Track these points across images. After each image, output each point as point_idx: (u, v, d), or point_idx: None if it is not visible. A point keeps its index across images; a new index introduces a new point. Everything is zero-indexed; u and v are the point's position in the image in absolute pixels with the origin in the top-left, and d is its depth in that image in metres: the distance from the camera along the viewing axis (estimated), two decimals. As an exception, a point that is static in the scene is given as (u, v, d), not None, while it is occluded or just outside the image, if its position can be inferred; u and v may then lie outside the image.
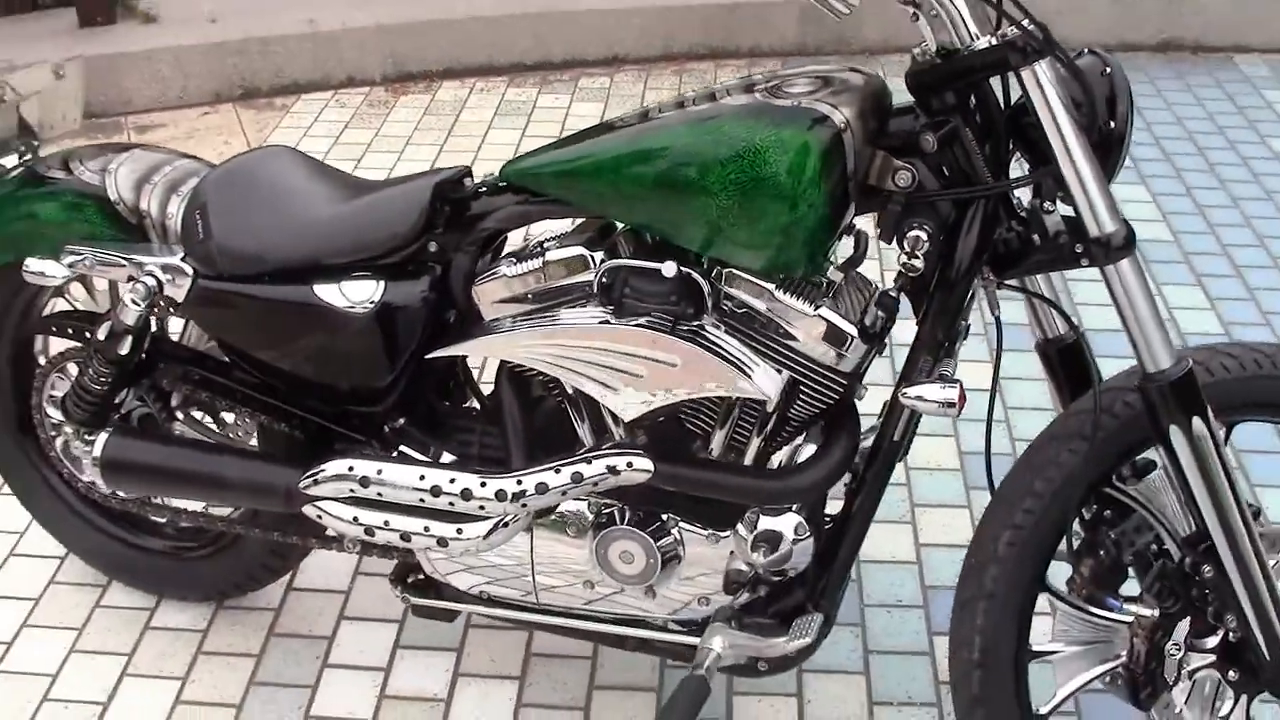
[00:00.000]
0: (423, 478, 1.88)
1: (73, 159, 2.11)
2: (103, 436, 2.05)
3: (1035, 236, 1.71)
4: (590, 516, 1.92)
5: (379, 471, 1.91)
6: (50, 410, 2.28)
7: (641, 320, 1.73)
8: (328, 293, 1.89)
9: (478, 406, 2.09)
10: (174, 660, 2.33)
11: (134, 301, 1.95)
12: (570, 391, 1.86)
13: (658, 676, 2.27)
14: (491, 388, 1.96)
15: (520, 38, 4.36)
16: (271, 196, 1.97)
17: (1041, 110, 1.58)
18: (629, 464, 1.80)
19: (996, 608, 1.80)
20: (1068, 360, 1.85)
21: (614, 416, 1.86)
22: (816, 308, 1.69)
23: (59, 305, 2.30)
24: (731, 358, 1.72)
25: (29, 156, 2.17)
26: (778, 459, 1.84)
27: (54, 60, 2.23)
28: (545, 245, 1.81)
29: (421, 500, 1.89)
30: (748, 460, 1.84)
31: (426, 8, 4.28)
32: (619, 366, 1.76)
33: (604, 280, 1.76)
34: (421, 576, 2.09)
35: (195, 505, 2.20)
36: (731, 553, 1.88)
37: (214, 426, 2.18)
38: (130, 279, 1.96)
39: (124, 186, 2.02)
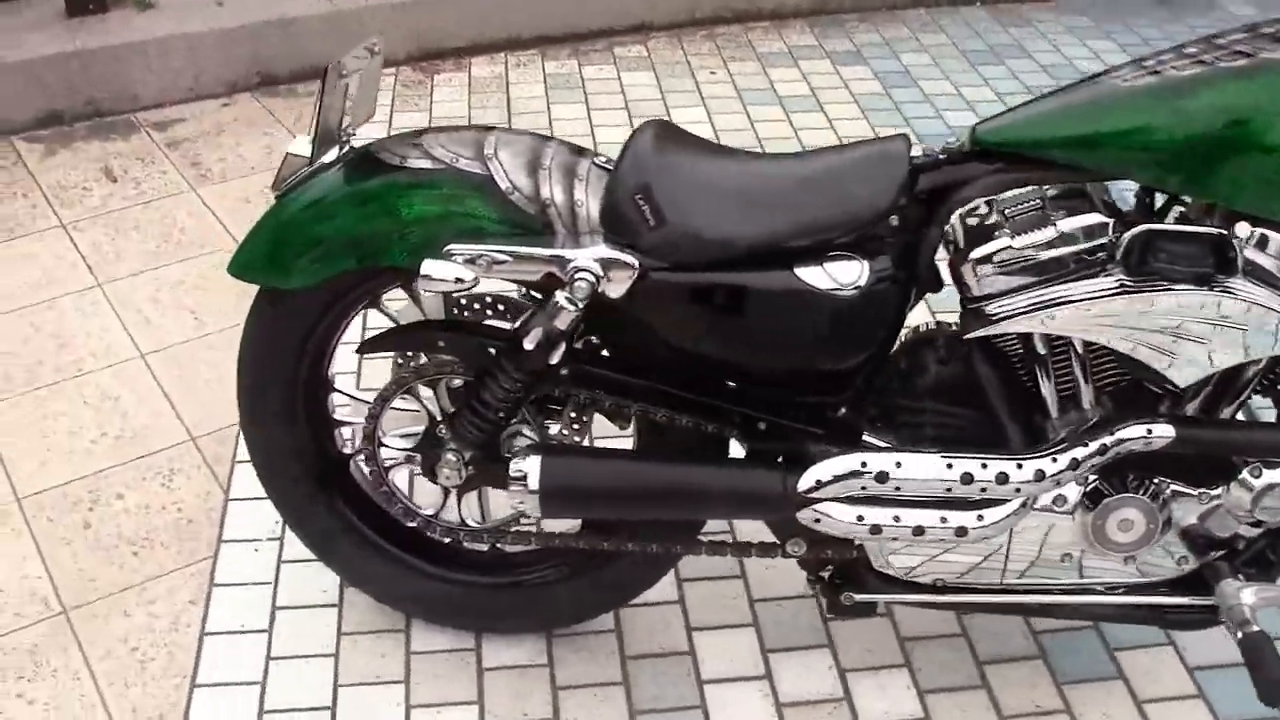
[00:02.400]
0: (950, 466, 1.77)
1: (396, 149, 1.85)
2: (535, 460, 1.82)
3: None
4: (1079, 488, 1.84)
5: (898, 465, 1.77)
6: (392, 440, 2.01)
7: (1204, 284, 1.68)
8: (812, 275, 1.73)
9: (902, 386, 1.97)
10: (533, 700, 2.11)
11: (571, 302, 1.73)
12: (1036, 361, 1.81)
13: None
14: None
15: (546, 8, 4.13)
16: (710, 177, 1.79)
17: None
18: (1150, 430, 1.76)
19: None
20: None
21: (1081, 388, 1.81)
22: None
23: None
24: None
25: (347, 147, 1.88)
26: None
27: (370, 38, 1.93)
28: (1049, 214, 1.73)
29: (948, 490, 1.77)
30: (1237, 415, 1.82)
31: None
32: (1187, 334, 1.70)
33: (1127, 245, 1.70)
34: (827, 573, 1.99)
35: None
36: (1218, 508, 1.84)
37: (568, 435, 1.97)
38: (569, 276, 1.73)
39: (515, 173, 1.78)
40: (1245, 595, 1.83)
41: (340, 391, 2.09)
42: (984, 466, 1.77)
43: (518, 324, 1.82)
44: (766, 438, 1.88)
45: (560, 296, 1.75)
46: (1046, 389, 1.84)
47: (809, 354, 1.80)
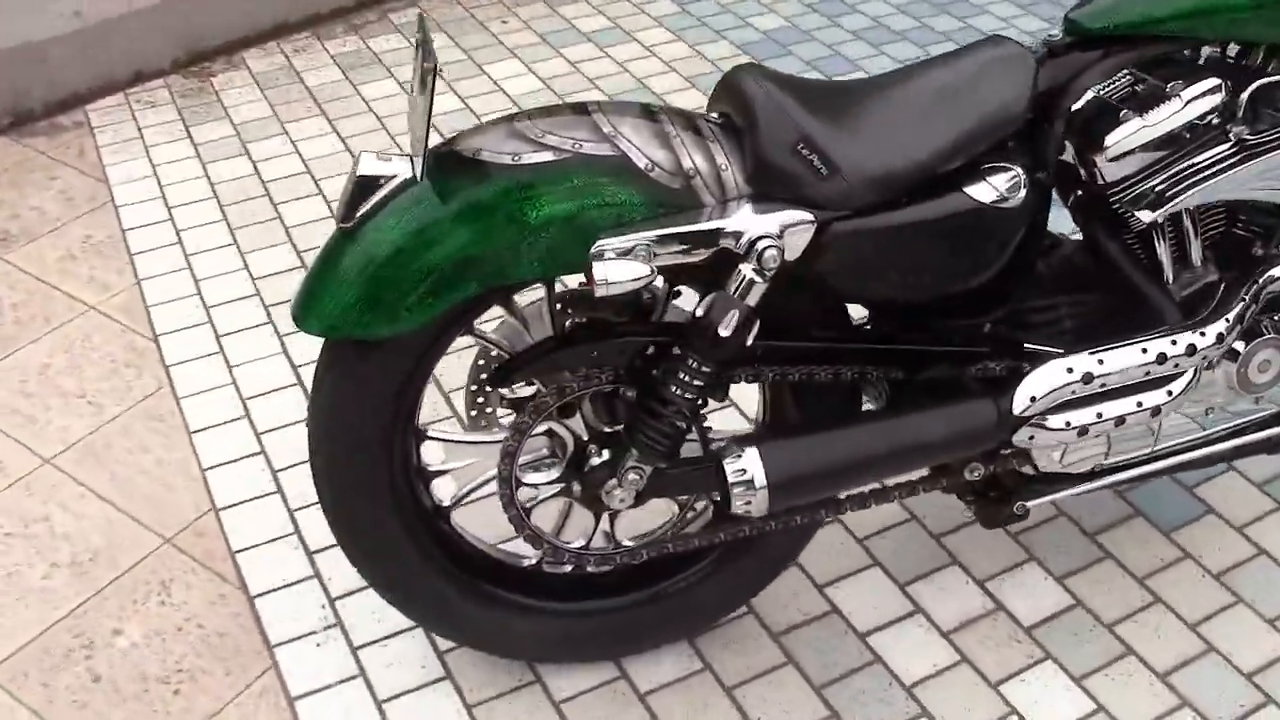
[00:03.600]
0: (1145, 350, 1.74)
1: (493, 145, 1.60)
2: (753, 453, 1.64)
3: None
4: (1241, 342, 1.87)
5: (1100, 362, 1.73)
6: (535, 476, 1.77)
7: None
8: (979, 191, 1.65)
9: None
10: (711, 708, 1.94)
11: (759, 274, 1.57)
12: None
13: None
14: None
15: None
16: (856, 113, 1.66)
17: None
18: None
19: None
20: None
21: (1197, 251, 1.85)
22: None
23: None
24: None
25: (421, 157, 1.61)
26: None
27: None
28: (1163, 89, 1.72)
29: (1147, 374, 1.75)
30: None
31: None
32: None
33: (1247, 102, 1.72)
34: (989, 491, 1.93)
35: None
36: None
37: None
38: (749, 247, 1.56)
39: (648, 147, 1.58)
40: None
41: (437, 438, 1.82)
42: (1174, 343, 1.75)
43: (697, 310, 1.62)
44: (939, 371, 1.78)
45: (746, 270, 1.57)
46: (1169, 258, 1.84)
47: (982, 271, 1.71)
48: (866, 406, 1.88)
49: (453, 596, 1.86)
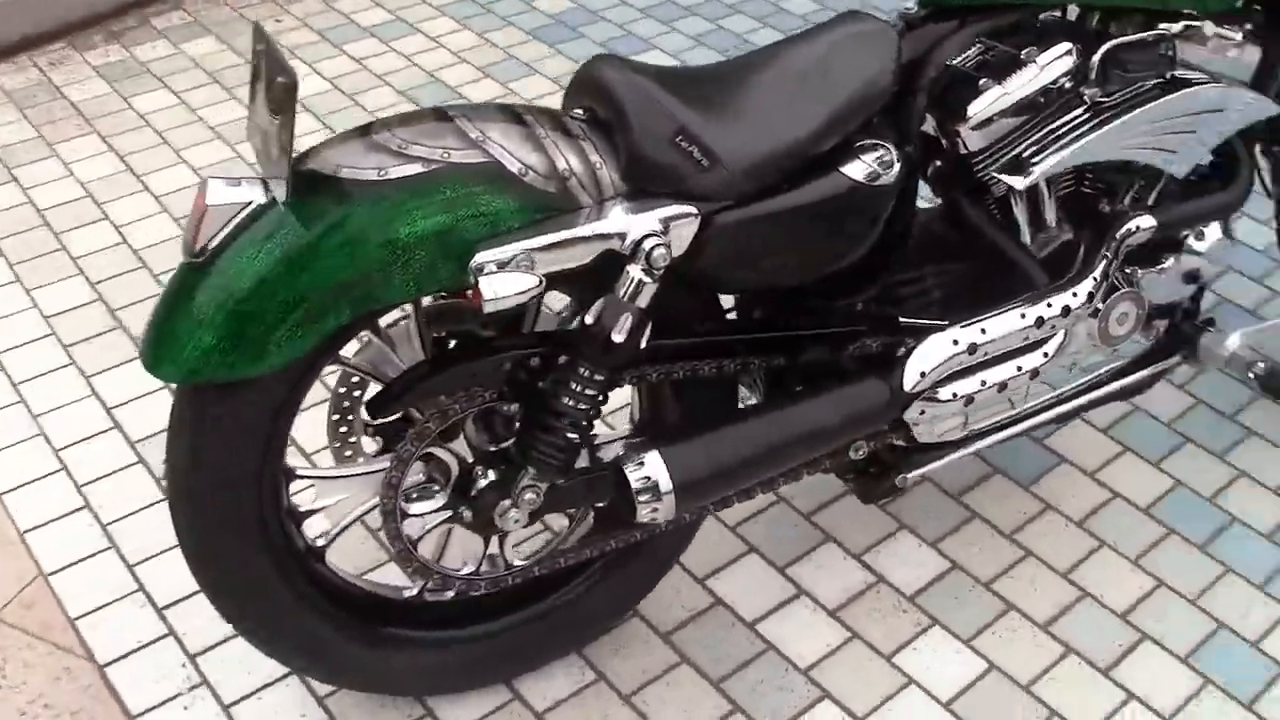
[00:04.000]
0: (1024, 315, 1.77)
1: (353, 159, 1.49)
2: (654, 457, 1.58)
3: None
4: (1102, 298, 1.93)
5: (983, 331, 1.74)
6: (421, 506, 1.67)
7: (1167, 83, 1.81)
8: (856, 170, 1.64)
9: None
10: (613, 717, 1.88)
11: (649, 274, 1.52)
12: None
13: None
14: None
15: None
16: (726, 100, 1.62)
17: None
18: (1139, 225, 1.89)
19: None
20: None
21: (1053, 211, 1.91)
22: None
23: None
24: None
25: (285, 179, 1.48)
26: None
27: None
28: (1025, 55, 1.76)
29: (1026, 338, 1.78)
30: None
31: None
32: (1177, 129, 1.81)
33: (1099, 64, 1.78)
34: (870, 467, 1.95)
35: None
36: (1171, 277, 2.01)
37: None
38: (635, 247, 1.50)
39: (519, 150, 1.50)
40: (1234, 340, 2.01)
41: (306, 476, 1.69)
42: (1049, 305, 1.78)
43: (587, 318, 1.55)
44: (818, 354, 1.77)
45: (635, 271, 1.51)
46: (1026, 221, 1.88)
47: (860, 249, 1.70)
48: (745, 397, 1.85)
49: (331, 637, 1.74)
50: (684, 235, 1.55)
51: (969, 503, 2.24)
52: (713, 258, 1.59)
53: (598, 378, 1.57)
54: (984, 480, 2.29)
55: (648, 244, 1.51)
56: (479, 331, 1.68)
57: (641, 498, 1.58)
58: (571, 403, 1.58)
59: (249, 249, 1.44)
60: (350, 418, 1.74)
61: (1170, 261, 1.98)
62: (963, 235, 1.85)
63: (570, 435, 1.60)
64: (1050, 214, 1.91)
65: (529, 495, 1.63)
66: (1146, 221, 1.87)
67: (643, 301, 1.53)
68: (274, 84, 1.39)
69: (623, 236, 1.51)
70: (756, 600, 2.07)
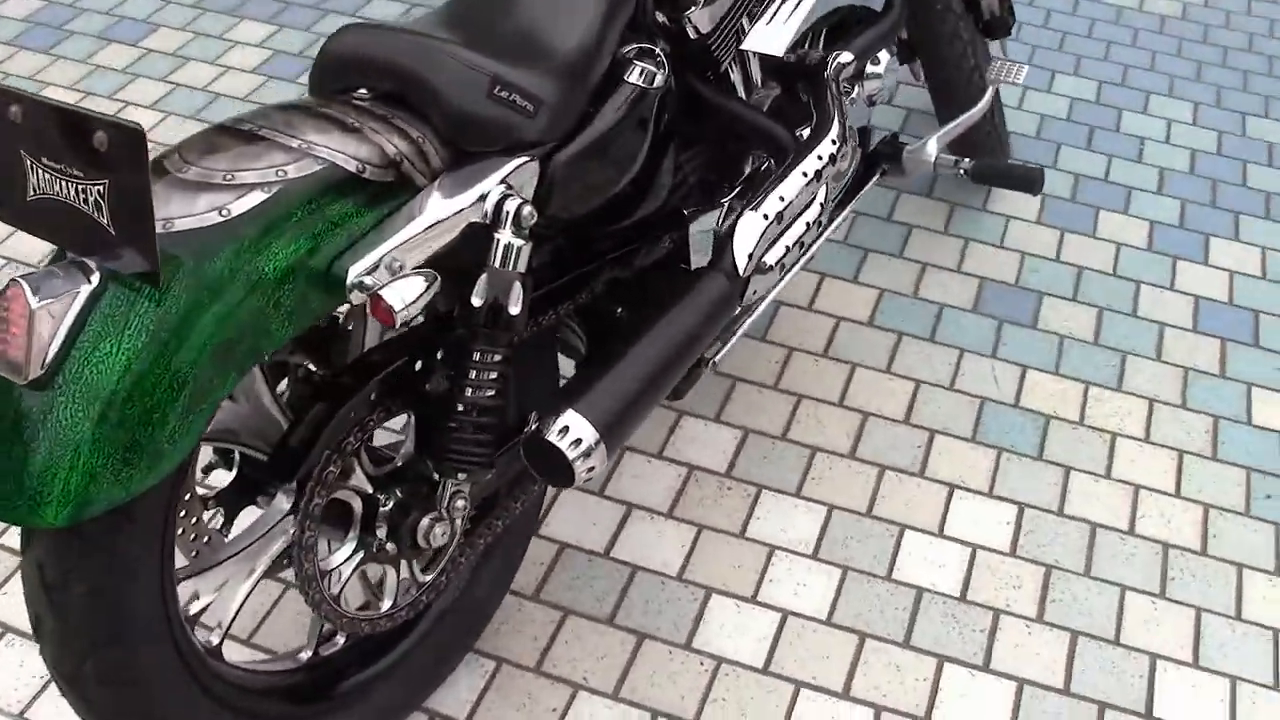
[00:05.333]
0: (804, 173, 1.85)
1: (177, 202, 1.28)
2: (570, 414, 1.48)
3: None
4: None
5: (781, 199, 1.78)
6: (336, 557, 1.50)
7: None
8: (638, 76, 1.64)
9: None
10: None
11: (520, 235, 1.43)
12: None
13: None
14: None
15: None
16: (505, 39, 1.54)
17: None
18: (843, 63, 2.01)
19: None
20: None
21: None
22: None
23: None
24: None
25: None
26: None
27: None
28: None
29: (813, 195, 1.85)
30: None
31: None
32: None
33: None
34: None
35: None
36: None
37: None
38: (493, 214, 1.41)
39: (346, 146, 1.35)
40: (932, 146, 2.20)
41: (186, 574, 1.45)
42: (820, 158, 1.85)
43: (475, 300, 1.42)
44: (631, 267, 1.75)
45: (505, 236, 1.41)
46: (744, 86, 1.95)
47: (666, 154, 1.70)
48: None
49: None
50: (529, 187, 1.47)
51: (726, 371, 2.33)
52: (557, 202, 1.51)
53: (497, 357, 1.46)
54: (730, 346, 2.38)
55: (509, 205, 1.41)
56: (310, 362, 1.51)
57: (575, 458, 1.50)
58: (478, 392, 1.46)
59: (103, 345, 1.19)
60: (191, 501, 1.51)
61: (857, 90, 2.12)
62: (702, 118, 1.88)
63: (485, 423, 1.48)
64: (756, 73, 1.98)
65: (459, 503, 1.51)
66: (847, 57, 1.98)
67: (522, 265, 1.44)
68: (93, 135, 1.13)
69: (479, 205, 1.40)
70: (596, 531, 2.05)
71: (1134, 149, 2.95)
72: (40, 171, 1.17)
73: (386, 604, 1.60)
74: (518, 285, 1.43)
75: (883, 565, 2.02)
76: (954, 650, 1.91)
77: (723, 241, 1.75)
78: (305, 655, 1.63)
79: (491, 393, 1.48)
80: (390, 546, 1.53)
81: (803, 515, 2.09)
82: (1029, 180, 2.22)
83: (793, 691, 1.85)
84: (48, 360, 1.18)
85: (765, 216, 1.78)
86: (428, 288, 1.33)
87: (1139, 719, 1.83)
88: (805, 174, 1.84)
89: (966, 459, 2.18)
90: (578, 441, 1.50)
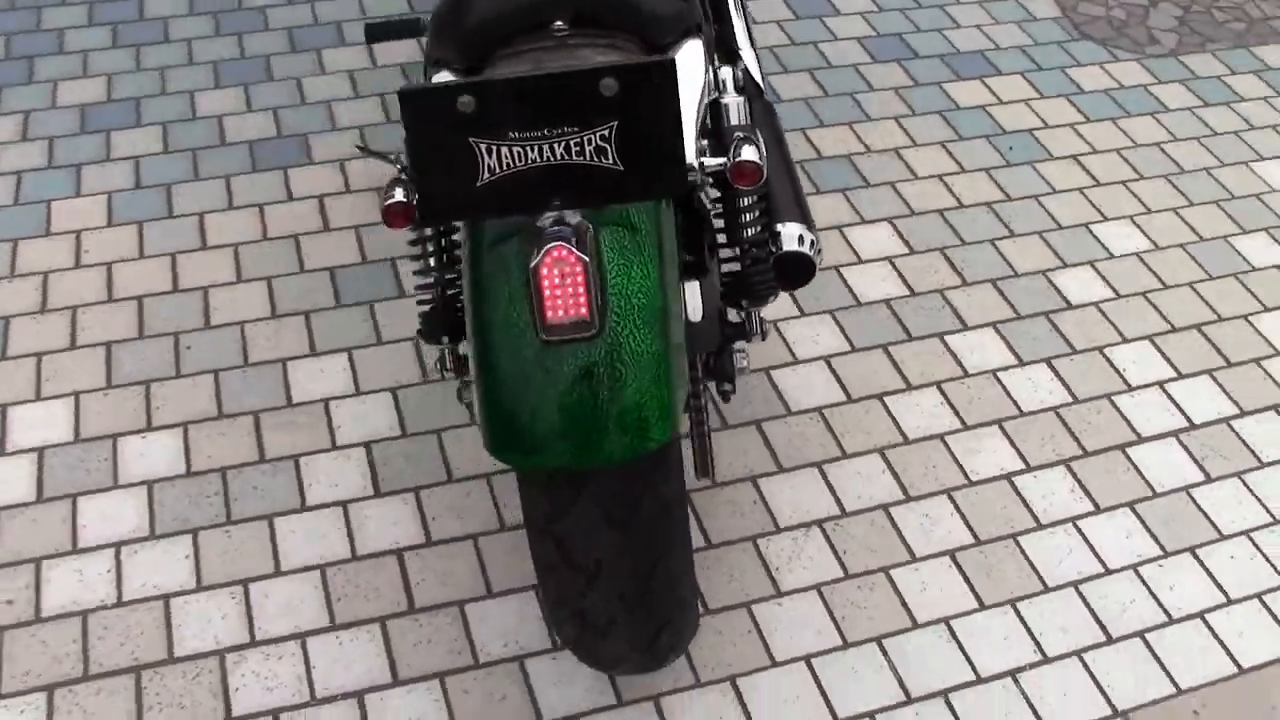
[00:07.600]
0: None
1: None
2: (792, 226, 1.74)
3: None
4: None
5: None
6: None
7: None
8: None
9: None
10: None
11: (739, 96, 1.71)
12: None
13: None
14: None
15: None
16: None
17: None
18: None
19: None
20: None
21: None
22: None
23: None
24: None
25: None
26: None
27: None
28: None
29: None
30: None
31: None
32: None
33: None
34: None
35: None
36: None
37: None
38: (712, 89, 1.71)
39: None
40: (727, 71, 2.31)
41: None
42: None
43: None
44: None
45: (733, 99, 1.70)
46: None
47: None
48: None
49: None
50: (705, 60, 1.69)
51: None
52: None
53: (758, 198, 1.69)
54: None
55: (724, 74, 1.70)
56: None
57: (815, 255, 1.72)
58: (757, 230, 1.70)
59: (634, 271, 1.38)
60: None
61: None
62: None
63: (763, 255, 1.72)
64: None
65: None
66: None
67: (746, 119, 1.67)
68: (599, 83, 1.26)
69: (707, 80, 1.63)
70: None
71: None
72: (500, 150, 1.22)
73: None
74: (753, 136, 1.54)
75: None
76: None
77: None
78: None
79: (763, 226, 1.71)
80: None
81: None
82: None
83: None
84: (597, 306, 1.33)
85: None
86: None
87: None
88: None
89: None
90: (813, 243, 1.74)
